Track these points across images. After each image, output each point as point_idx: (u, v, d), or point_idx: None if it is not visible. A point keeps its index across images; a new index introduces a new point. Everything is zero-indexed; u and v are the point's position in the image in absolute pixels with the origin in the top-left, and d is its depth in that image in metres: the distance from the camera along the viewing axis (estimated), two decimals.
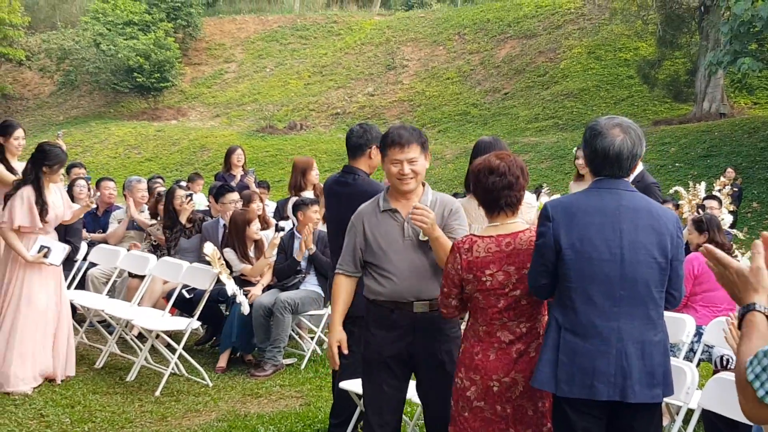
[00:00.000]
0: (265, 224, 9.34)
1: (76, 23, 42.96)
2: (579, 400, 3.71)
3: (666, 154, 24.48)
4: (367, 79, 36.56)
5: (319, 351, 8.61)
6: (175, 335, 8.19)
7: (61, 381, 7.32)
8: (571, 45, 33.40)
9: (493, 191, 4.03)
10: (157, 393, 7.24)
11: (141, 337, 8.37)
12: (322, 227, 8.37)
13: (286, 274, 8.27)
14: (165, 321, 7.99)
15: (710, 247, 2.59)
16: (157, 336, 7.95)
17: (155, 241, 9.58)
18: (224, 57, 41.44)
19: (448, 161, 27.32)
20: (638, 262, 3.71)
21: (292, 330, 8.56)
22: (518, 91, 32.31)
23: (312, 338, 8.67)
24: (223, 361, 8.18)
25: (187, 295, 8.33)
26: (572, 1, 36.14)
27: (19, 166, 7.88)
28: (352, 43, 39.35)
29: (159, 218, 9.81)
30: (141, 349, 7.96)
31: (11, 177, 7.84)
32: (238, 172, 11.15)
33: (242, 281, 8.43)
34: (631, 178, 6.93)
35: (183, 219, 9.23)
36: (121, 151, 33.70)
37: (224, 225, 8.97)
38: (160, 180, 11.60)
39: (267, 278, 8.50)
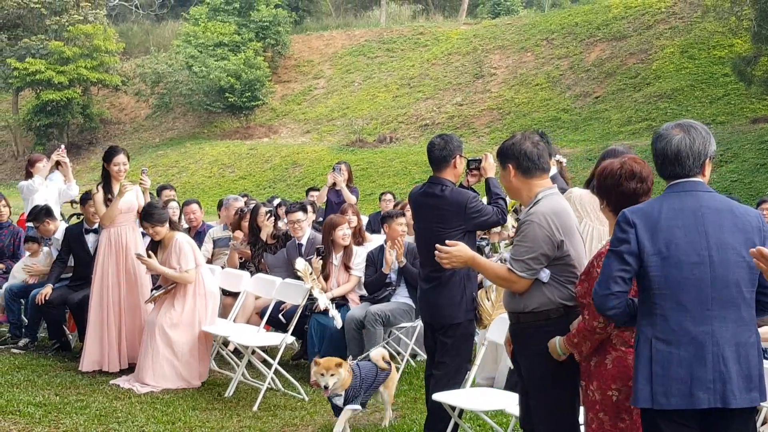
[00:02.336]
0: (360, 238, 9.34)
1: (168, 47, 44.02)
2: (676, 412, 3.60)
3: (765, 153, 23.76)
4: (455, 88, 36.49)
5: (413, 363, 8.59)
6: (271, 350, 8.27)
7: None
8: (663, 45, 32.74)
9: (632, 196, 4.04)
10: (255, 408, 7.33)
11: (237, 353, 8.48)
12: (409, 239, 8.39)
13: (375, 287, 8.29)
14: (260, 336, 8.09)
15: (762, 249, 2.54)
16: (253, 352, 8.05)
17: (241, 257, 9.70)
18: (313, 73, 41.89)
19: None
20: (728, 263, 3.61)
21: (387, 343, 8.56)
22: (609, 95, 31.81)
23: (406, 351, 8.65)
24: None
25: (284, 321, 8.42)
26: (663, 0, 35.44)
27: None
28: (439, 53, 39.34)
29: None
30: (238, 365, 8.06)
31: (102, 210, 8.28)
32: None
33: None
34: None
35: (264, 235, 9.38)
36: (216, 171, 34.34)
37: (299, 244, 9.10)
38: (245, 198, 11.78)
39: (341, 291, 8.55)
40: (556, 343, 4.20)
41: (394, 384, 6.74)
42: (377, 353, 6.57)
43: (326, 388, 6.12)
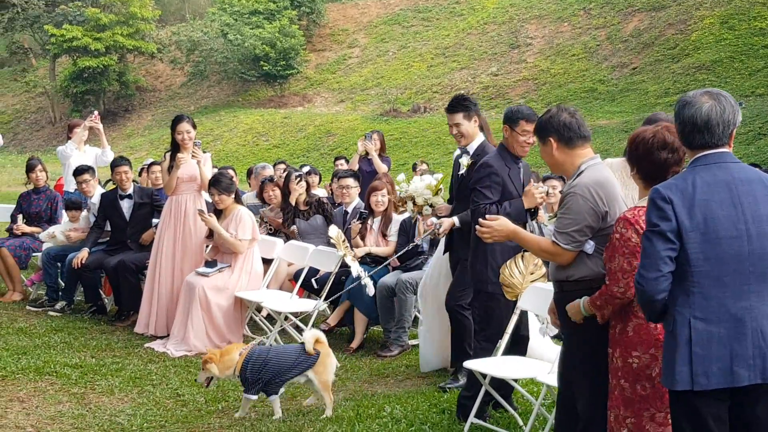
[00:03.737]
0: (396, 207, 9.39)
1: (204, 15, 44.13)
2: (714, 390, 3.54)
3: None
4: (490, 58, 36.28)
5: None
6: (303, 317, 8.34)
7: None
8: (703, 15, 32.27)
9: (663, 166, 4.01)
10: None
11: (270, 318, 8.56)
12: None
13: (408, 255, 8.33)
14: (293, 303, 8.16)
15: None
16: (286, 318, 8.12)
17: (271, 225, 9.76)
18: (347, 42, 41.82)
19: None
20: (764, 236, 3.55)
21: (418, 311, 8.61)
22: (647, 66, 31.46)
23: None
24: (334, 319, 8.53)
25: (315, 285, 8.50)
26: None
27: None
28: (475, 23, 39.09)
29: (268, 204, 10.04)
30: (271, 331, 8.14)
31: (165, 178, 8.69)
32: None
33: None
34: (472, 147, 6.72)
35: (292, 200, 9.43)
36: (250, 139, 34.47)
37: (345, 211, 9.16)
38: (282, 165, 11.84)
39: (377, 250, 8.63)
40: (580, 303, 4.20)
41: (327, 368, 6.32)
42: (310, 335, 6.35)
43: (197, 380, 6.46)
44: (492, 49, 36.79)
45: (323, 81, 39.51)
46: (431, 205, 7.14)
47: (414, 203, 7.24)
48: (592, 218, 4.28)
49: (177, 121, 8.80)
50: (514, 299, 5.82)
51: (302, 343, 6.35)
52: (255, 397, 6.24)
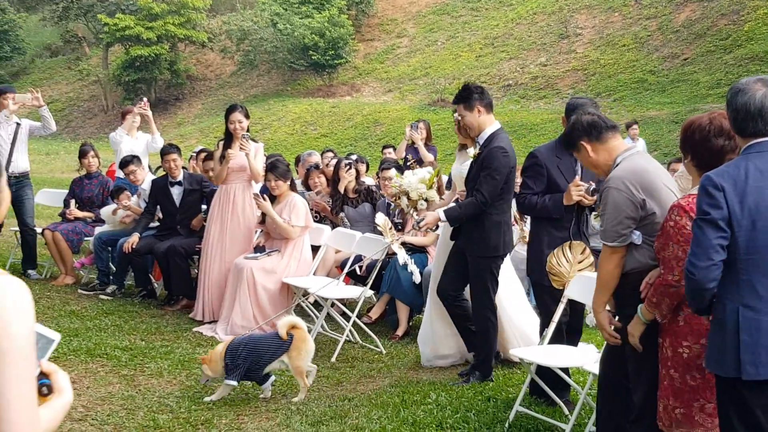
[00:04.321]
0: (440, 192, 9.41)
1: (254, 4, 44.36)
2: (764, 381, 3.49)
3: None
4: (539, 49, 36.02)
5: None
6: (350, 304, 8.40)
7: None
8: (756, 6, 31.69)
9: (719, 153, 3.97)
10: (333, 359, 7.47)
11: (317, 305, 8.63)
12: None
13: None
14: (340, 289, 8.22)
15: None
16: (333, 304, 8.18)
17: (318, 212, 9.82)
18: (396, 32, 41.78)
19: (623, 130, 26.63)
20: None
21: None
22: (698, 57, 31.00)
23: None
24: (376, 312, 8.56)
25: (359, 272, 8.55)
26: None
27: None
28: (524, 13, 38.82)
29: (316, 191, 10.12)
30: (317, 317, 8.21)
31: (217, 168, 8.82)
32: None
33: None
34: (482, 138, 6.50)
35: (341, 187, 9.48)
36: (298, 128, 34.62)
37: (388, 203, 9.21)
38: (330, 153, 11.90)
39: (415, 240, 8.65)
40: (638, 314, 4.15)
41: (302, 354, 6.31)
42: (284, 322, 6.38)
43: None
44: (541, 39, 36.52)
45: (371, 71, 39.53)
46: (426, 200, 7.07)
47: (408, 198, 7.17)
48: (630, 209, 4.26)
49: (230, 110, 8.89)
50: (561, 288, 5.81)
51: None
52: (234, 383, 6.30)
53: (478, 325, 6.72)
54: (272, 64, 40.88)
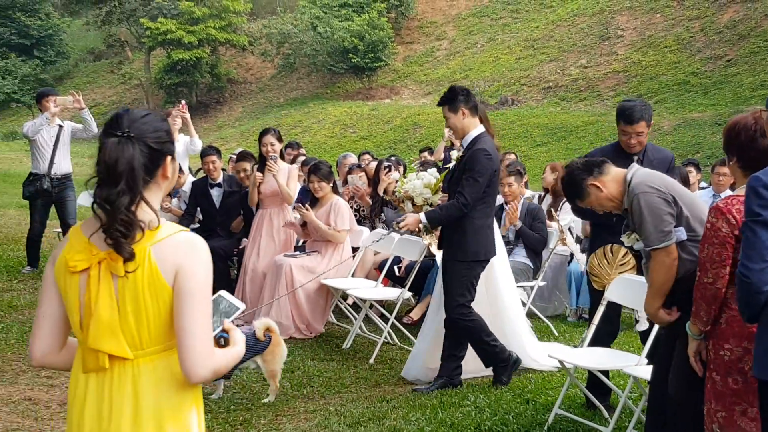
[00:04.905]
0: None
1: (294, 8, 44.54)
2: None
3: None
4: (580, 50, 35.78)
5: (529, 322, 8.56)
6: (388, 305, 8.39)
7: None
8: None
9: (766, 153, 3.87)
10: (371, 360, 7.47)
11: (356, 306, 8.63)
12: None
13: None
14: (378, 291, 8.22)
15: None
16: (371, 306, 8.19)
17: (357, 213, 9.84)
18: (436, 34, 41.74)
19: (666, 132, 26.32)
20: None
21: None
22: (742, 58, 30.59)
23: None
24: (417, 313, 8.53)
25: (397, 273, 8.55)
26: None
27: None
28: (565, 14, 38.59)
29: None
30: (356, 319, 8.22)
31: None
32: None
33: None
34: (467, 141, 6.41)
35: (380, 189, 9.50)
36: (337, 131, 34.69)
37: None
38: (368, 156, 11.91)
39: None
40: (687, 329, 4.10)
41: (276, 357, 6.33)
42: (261, 323, 6.36)
43: None
44: (582, 41, 36.27)
45: (411, 73, 39.52)
46: (431, 205, 6.98)
47: (413, 203, 7.09)
48: (665, 205, 4.30)
49: (263, 133, 9.01)
50: (601, 289, 5.76)
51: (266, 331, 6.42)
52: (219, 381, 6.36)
53: (450, 333, 6.61)
54: (312, 67, 41.02)
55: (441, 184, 7.04)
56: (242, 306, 2.84)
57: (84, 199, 11.93)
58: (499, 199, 9.03)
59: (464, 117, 6.43)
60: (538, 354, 6.99)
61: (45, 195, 10.27)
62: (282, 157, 9.11)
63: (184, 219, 9.71)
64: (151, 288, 2.58)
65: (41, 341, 2.79)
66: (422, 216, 6.48)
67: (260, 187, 8.81)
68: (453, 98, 6.45)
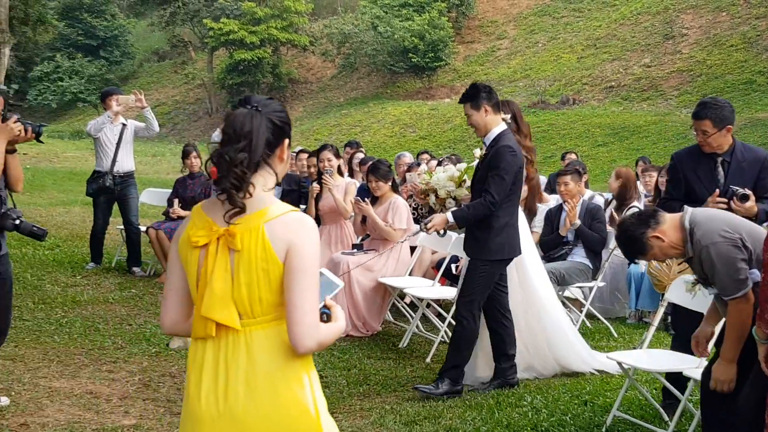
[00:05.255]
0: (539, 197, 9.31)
1: (355, 8, 44.71)
2: None
3: None
4: (643, 49, 35.34)
5: (588, 324, 8.49)
6: (445, 304, 8.37)
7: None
8: None
9: None
10: (428, 359, 7.45)
11: (413, 305, 8.62)
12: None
13: (550, 246, 8.25)
14: (435, 290, 8.19)
15: None
16: (428, 305, 8.17)
17: (414, 211, 9.84)
18: (496, 34, 41.56)
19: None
20: None
21: (562, 302, 8.51)
22: None
23: (581, 311, 8.55)
24: None
25: (455, 272, 8.52)
26: None
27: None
28: (628, 13, 38.15)
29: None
30: (413, 318, 8.21)
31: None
32: None
33: None
34: (489, 139, 6.24)
35: None
36: (397, 130, 34.72)
37: None
38: (426, 155, 11.89)
39: None
40: (753, 333, 4.01)
41: None
42: None
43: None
44: (645, 40, 35.81)
45: (471, 73, 39.39)
46: (455, 198, 6.86)
47: (436, 196, 6.97)
48: (737, 253, 4.17)
49: (321, 149, 9.13)
50: (662, 292, 5.67)
51: None
52: None
53: (456, 329, 6.48)
54: (372, 66, 41.14)
55: (465, 177, 6.97)
56: (341, 284, 3.04)
57: (146, 196, 12.12)
58: (558, 199, 8.96)
59: (486, 114, 6.31)
60: (587, 356, 6.91)
61: (107, 192, 10.44)
62: (340, 172, 9.16)
63: None
64: (263, 263, 2.80)
65: (169, 312, 3.05)
66: (449, 215, 6.36)
67: (319, 203, 8.90)
68: (475, 95, 6.34)
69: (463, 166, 7.17)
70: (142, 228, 10.69)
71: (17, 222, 5.44)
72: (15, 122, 5.35)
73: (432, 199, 7.03)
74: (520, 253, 6.46)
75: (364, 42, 40.13)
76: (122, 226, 10.77)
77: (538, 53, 38.51)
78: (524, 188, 6.99)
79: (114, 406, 6.06)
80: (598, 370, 6.93)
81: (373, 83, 41.86)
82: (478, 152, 6.51)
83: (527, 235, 6.84)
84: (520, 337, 6.71)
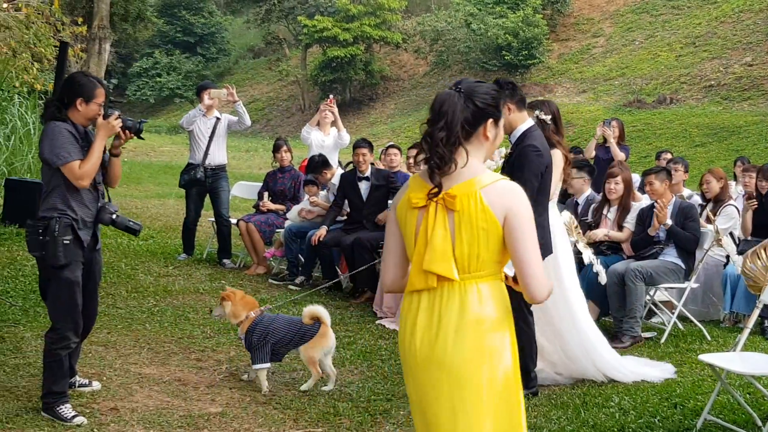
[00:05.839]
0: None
1: (448, 5, 44.58)
2: None
3: None
4: (745, 48, 34.33)
5: (680, 326, 8.27)
6: None
7: None
8: None
9: None
10: None
11: None
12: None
13: (641, 245, 8.09)
14: None
15: None
16: None
17: None
18: (592, 31, 40.93)
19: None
20: None
21: (653, 303, 8.33)
22: None
23: (673, 312, 8.34)
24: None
25: None
26: None
27: None
28: (729, 11, 37.13)
29: None
30: None
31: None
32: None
33: None
34: (514, 136, 6.04)
35: None
36: None
37: (575, 202, 9.16)
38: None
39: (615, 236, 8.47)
40: None
41: (316, 346, 6.29)
42: (308, 310, 6.36)
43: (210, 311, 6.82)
44: (747, 38, 34.79)
45: (565, 71, 38.89)
46: None
47: None
48: None
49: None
50: (757, 293, 5.50)
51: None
52: (267, 365, 6.33)
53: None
54: (465, 64, 40.95)
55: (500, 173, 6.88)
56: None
57: (237, 190, 12.29)
58: (648, 200, 8.77)
59: (510, 112, 6.11)
60: (616, 363, 6.70)
61: (199, 184, 10.62)
62: None
63: (332, 211, 9.85)
64: (484, 223, 3.16)
65: (389, 272, 3.46)
66: None
67: None
68: None
69: (499, 161, 7.09)
70: (233, 220, 10.84)
71: (114, 216, 5.59)
72: (116, 119, 5.47)
73: None
74: (551, 252, 6.24)
75: (457, 39, 39.98)
76: (213, 219, 10.94)
77: (635, 51, 37.77)
78: (558, 183, 6.78)
79: (201, 393, 6.15)
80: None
81: None
82: (503, 151, 6.40)
83: (560, 233, 6.67)
84: (546, 339, 6.61)
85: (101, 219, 5.55)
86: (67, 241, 5.33)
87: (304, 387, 6.38)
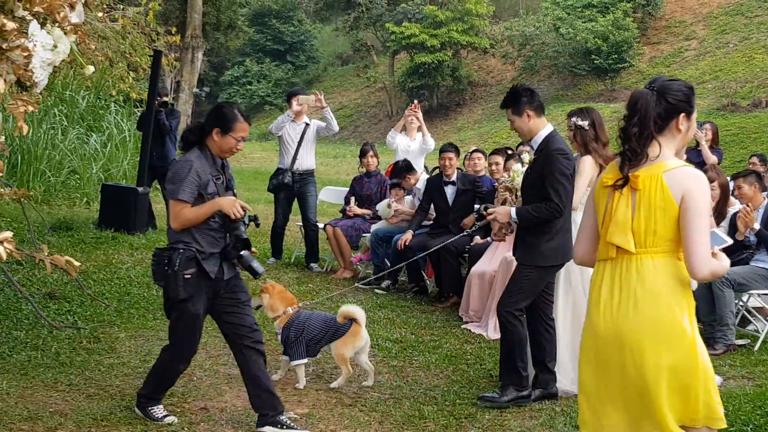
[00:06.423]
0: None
1: (537, 9, 44.25)
2: None
3: None
4: None
5: None
6: None
7: None
8: None
9: None
10: None
11: None
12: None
13: (733, 249, 7.89)
14: None
15: None
16: None
17: None
18: (684, 34, 40.12)
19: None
20: None
21: (746, 310, 8.13)
22: None
23: None
24: None
25: None
26: None
27: None
28: None
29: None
30: None
31: None
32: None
33: None
34: (536, 142, 5.94)
35: None
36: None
37: None
38: None
39: None
40: None
41: (347, 344, 6.41)
42: (343, 309, 6.50)
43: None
44: None
45: (657, 75, 38.17)
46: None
47: (511, 194, 6.81)
48: None
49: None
50: None
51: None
52: (305, 360, 6.45)
53: (504, 337, 6.26)
54: (553, 69, 40.58)
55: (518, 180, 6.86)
56: (730, 241, 3.95)
57: (325, 194, 12.41)
58: (738, 205, 8.57)
59: (530, 119, 6.07)
60: None
61: (287, 189, 10.77)
62: None
63: (418, 215, 9.87)
64: (661, 203, 3.53)
65: (582, 246, 3.94)
66: (513, 211, 6.18)
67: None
68: (516, 100, 6.10)
69: (519, 167, 7.05)
70: (320, 225, 10.95)
71: (240, 255, 5.44)
72: (241, 208, 5.40)
73: (507, 196, 7.00)
74: (571, 257, 6.09)
75: (545, 44, 39.64)
76: (301, 223, 11.06)
77: (729, 54, 36.89)
78: (586, 192, 6.63)
79: (288, 394, 6.24)
80: None
81: (554, 85, 41.28)
82: (526, 157, 6.35)
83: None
84: (565, 347, 6.54)
85: (227, 256, 5.44)
86: (188, 276, 5.23)
87: (333, 384, 6.48)
